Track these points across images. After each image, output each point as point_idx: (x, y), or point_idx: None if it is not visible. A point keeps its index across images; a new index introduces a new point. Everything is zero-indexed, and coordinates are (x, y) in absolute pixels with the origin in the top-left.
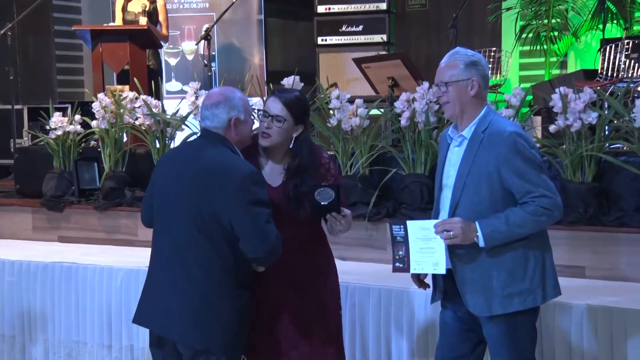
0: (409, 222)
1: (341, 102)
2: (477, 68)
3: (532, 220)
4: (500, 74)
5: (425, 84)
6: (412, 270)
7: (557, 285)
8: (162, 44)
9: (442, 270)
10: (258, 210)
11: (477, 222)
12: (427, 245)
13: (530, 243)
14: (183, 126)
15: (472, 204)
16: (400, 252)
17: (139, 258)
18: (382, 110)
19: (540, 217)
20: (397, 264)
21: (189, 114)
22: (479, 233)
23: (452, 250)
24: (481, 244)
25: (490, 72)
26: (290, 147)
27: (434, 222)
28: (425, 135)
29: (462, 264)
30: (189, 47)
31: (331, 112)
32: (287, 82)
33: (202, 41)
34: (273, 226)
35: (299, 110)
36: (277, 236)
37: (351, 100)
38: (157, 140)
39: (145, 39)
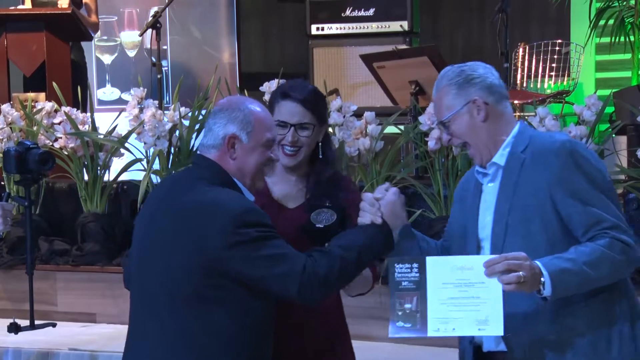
0: (429, 259)
1: (344, 116)
2: (473, 82)
3: (610, 259)
4: (568, 76)
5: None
6: (430, 332)
7: None
8: (92, 33)
9: (497, 329)
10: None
11: (538, 262)
12: (466, 294)
13: (612, 296)
14: (122, 150)
15: (521, 251)
16: (408, 305)
17: (58, 337)
18: (401, 127)
19: (619, 255)
20: (401, 323)
21: (130, 132)
22: (545, 274)
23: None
24: (547, 291)
25: (555, 74)
26: (320, 155)
27: (481, 257)
28: (462, 162)
29: (516, 334)
30: (130, 38)
31: (330, 129)
32: (269, 87)
33: (149, 31)
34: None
35: (322, 106)
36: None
37: (358, 114)
38: (84, 170)
39: (68, 28)
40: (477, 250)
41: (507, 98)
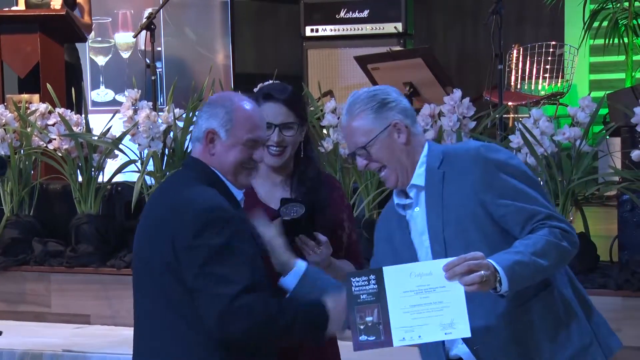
0: (386, 269)
1: (339, 118)
2: (390, 106)
3: (554, 245)
4: (562, 78)
5: (457, 93)
6: (396, 343)
7: (613, 333)
8: (86, 35)
9: (464, 331)
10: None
11: (489, 259)
12: (428, 300)
13: (560, 283)
14: (116, 151)
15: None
16: (370, 318)
17: (52, 338)
18: None
19: (562, 241)
20: (364, 337)
21: (124, 134)
22: (499, 270)
23: None
24: (504, 287)
25: (549, 75)
26: (301, 155)
27: (438, 261)
28: None
29: (479, 333)
30: (125, 40)
31: (324, 131)
32: None
33: (143, 32)
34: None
35: (301, 105)
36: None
37: None
38: (78, 171)
39: (61, 29)
40: None
41: (416, 120)
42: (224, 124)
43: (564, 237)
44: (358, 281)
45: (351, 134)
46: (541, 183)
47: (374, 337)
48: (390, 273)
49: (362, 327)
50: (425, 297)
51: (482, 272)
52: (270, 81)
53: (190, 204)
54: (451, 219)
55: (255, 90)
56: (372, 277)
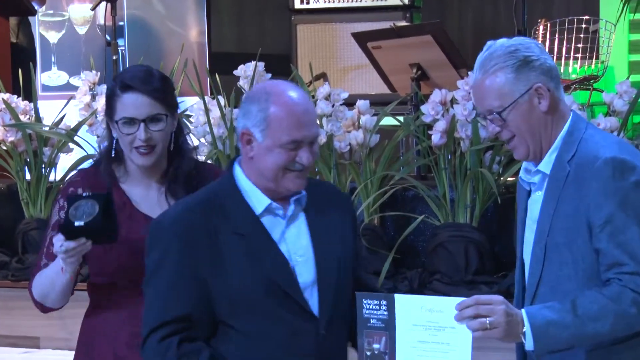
0: (398, 297)
1: (333, 105)
2: (533, 65)
3: (614, 311)
4: (597, 58)
5: (473, 76)
6: None
7: None
8: (36, 7)
9: None
10: None
11: (524, 310)
12: (436, 339)
13: (620, 356)
14: (71, 145)
15: (558, 280)
16: (377, 346)
17: None
18: (400, 118)
19: (629, 307)
20: None
21: (80, 124)
22: (527, 325)
23: None
24: (528, 345)
25: (581, 56)
26: (171, 148)
27: (454, 299)
28: (472, 160)
29: None
30: (80, 13)
31: (317, 121)
32: (245, 71)
33: (102, 4)
34: None
35: (171, 94)
36: None
37: (350, 103)
38: (26, 168)
39: (8, 1)
40: (522, 273)
41: (560, 85)
42: (258, 124)
43: (635, 303)
44: (369, 304)
45: (483, 95)
46: None
47: None
48: (402, 301)
49: (368, 353)
50: (434, 335)
51: (488, 319)
52: (130, 66)
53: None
54: (558, 228)
55: (110, 81)
56: (383, 302)
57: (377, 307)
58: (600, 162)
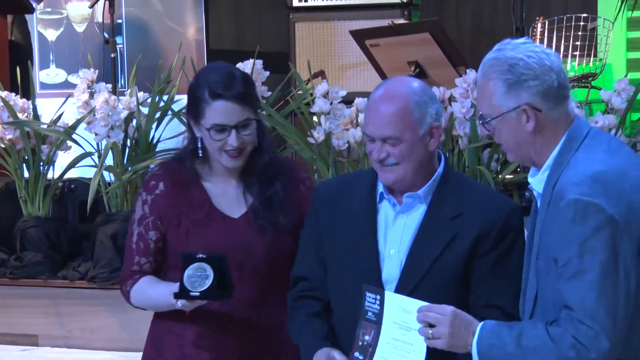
0: (387, 294)
1: (332, 103)
2: (527, 83)
3: (554, 351)
4: (595, 56)
5: (471, 74)
6: None
7: None
8: (34, 4)
9: None
10: None
11: (480, 325)
12: (405, 338)
13: None
14: (69, 142)
15: (553, 297)
16: (367, 337)
17: None
18: None
19: (568, 350)
20: (357, 354)
21: (78, 121)
22: (474, 342)
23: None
24: (474, 358)
25: (579, 53)
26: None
27: (419, 302)
28: (470, 157)
29: None
30: (79, 11)
31: (315, 119)
32: (243, 69)
33: (101, 2)
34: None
35: (256, 95)
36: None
37: (348, 100)
38: (24, 166)
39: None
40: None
41: (566, 98)
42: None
43: (573, 347)
44: (370, 297)
45: (479, 96)
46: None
47: (362, 357)
48: (390, 299)
49: (360, 343)
50: (404, 334)
51: (431, 330)
52: (211, 65)
53: None
54: (542, 254)
55: (194, 83)
56: (377, 297)
57: (374, 301)
58: (564, 203)
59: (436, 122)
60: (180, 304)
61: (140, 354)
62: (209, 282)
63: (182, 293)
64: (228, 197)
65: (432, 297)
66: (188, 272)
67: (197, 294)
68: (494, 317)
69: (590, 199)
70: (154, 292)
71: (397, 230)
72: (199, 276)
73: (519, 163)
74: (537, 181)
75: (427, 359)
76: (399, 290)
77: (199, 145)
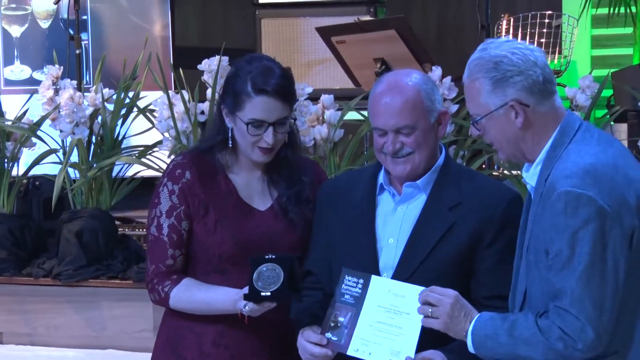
0: (375, 278)
1: (298, 100)
2: (512, 79)
3: (542, 343)
4: (559, 53)
5: (437, 71)
6: (349, 351)
7: None
8: None
9: None
10: None
11: (477, 316)
12: (392, 321)
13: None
14: (34, 139)
15: (542, 289)
16: (342, 319)
17: None
18: (365, 113)
19: (556, 342)
20: (329, 334)
21: (43, 118)
22: (469, 332)
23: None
24: (469, 348)
25: (548, 50)
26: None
27: (417, 287)
28: None
29: None
30: (43, 7)
31: None
32: (209, 66)
33: None
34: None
35: (295, 93)
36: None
37: (314, 97)
38: None
39: None
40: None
41: (552, 93)
42: None
43: (561, 339)
44: (349, 280)
45: (467, 98)
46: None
47: (336, 338)
48: (377, 283)
49: (332, 324)
50: (391, 317)
51: (436, 309)
52: (256, 58)
53: None
54: (532, 246)
55: (234, 73)
56: (360, 281)
57: (355, 284)
58: (555, 195)
59: (443, 109)
60: (248, 307)
61: (105, 351)
62: (279, 283)
63: (253, 295)
64: (252, 189)
65: (428, 285)
66: (259, 271)
67: (269, 293)
68: (498, 307)
69: (582, 191)
70: (209, 296)
71: (396, 220)
72: (268, 277)
73: (497, 162)
74: (530, 175)
75: (419, 343)
76: (396, 278)
77: (230, 135)
